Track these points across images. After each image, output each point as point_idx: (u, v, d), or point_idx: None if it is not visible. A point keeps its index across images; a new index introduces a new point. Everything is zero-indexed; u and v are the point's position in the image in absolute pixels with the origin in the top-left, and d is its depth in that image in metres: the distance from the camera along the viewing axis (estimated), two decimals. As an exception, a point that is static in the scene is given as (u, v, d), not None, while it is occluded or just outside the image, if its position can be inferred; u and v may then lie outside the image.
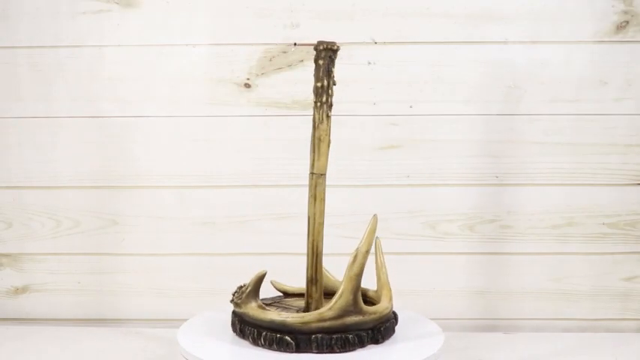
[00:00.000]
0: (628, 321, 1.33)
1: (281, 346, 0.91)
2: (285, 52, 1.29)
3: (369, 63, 1.29)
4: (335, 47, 0.95)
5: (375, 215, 0.96)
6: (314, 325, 0.91)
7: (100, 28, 1.29)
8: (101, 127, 1.31)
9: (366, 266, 0.94)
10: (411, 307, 1.29)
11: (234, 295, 0.96)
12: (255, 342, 0.93)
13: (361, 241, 0.94)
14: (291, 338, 0.91)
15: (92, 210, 1.33)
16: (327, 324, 0.91)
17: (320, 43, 0.95)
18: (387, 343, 0.96)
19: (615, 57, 1.27)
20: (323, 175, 0.96)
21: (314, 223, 0.96)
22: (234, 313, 0.98)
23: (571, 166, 1.29)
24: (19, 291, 1.36)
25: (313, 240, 0.97)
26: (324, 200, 0.97)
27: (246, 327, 0.94)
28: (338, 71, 1.28)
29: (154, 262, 1.34)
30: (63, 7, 1.29)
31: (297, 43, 1.28)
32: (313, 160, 0.96)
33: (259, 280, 0.95)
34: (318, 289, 0.98)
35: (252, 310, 0.94)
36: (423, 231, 1.32)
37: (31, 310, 1.37)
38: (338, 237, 1.29)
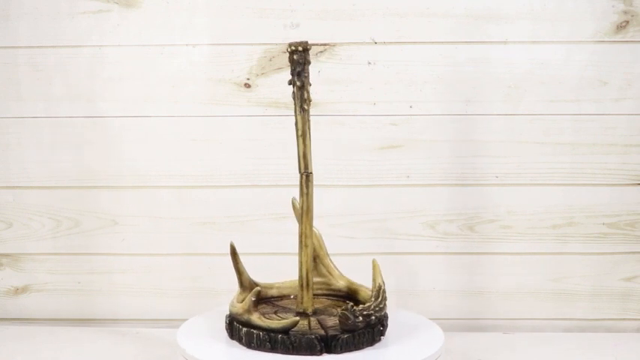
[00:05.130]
0: (628, 321, 1.33)
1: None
2: (285, 52, 1.29)
3: (369, 63, 1.28)
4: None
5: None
6: None
7: (99, 28, 1.29)
8: (101, 127, 1.31)
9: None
10: (411, 307, 1.30)
11: (353, 313, 0.93)
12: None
13: None
14: None
15: (92, 210, 1.33)
16: None
17: (311, 45, 0.96)
18: (386, 343, 0.96)
19: (615, 57, 1.27)
20: None
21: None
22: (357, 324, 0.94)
23: (571, 166, 1.29)
24: (19, 291, 1.36)
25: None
26: None
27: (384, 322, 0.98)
28: (338, 71, 1.29)
29: (154, 262, 1.34)
30: (63, 7, 1.29)
31: (297, 43, 1.28)
32: (310, 159, 0.96)
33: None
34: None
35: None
36: (423, 231, 1.32)
37: (31, 310, 1.36)
38: (338, 237, 1.29)
